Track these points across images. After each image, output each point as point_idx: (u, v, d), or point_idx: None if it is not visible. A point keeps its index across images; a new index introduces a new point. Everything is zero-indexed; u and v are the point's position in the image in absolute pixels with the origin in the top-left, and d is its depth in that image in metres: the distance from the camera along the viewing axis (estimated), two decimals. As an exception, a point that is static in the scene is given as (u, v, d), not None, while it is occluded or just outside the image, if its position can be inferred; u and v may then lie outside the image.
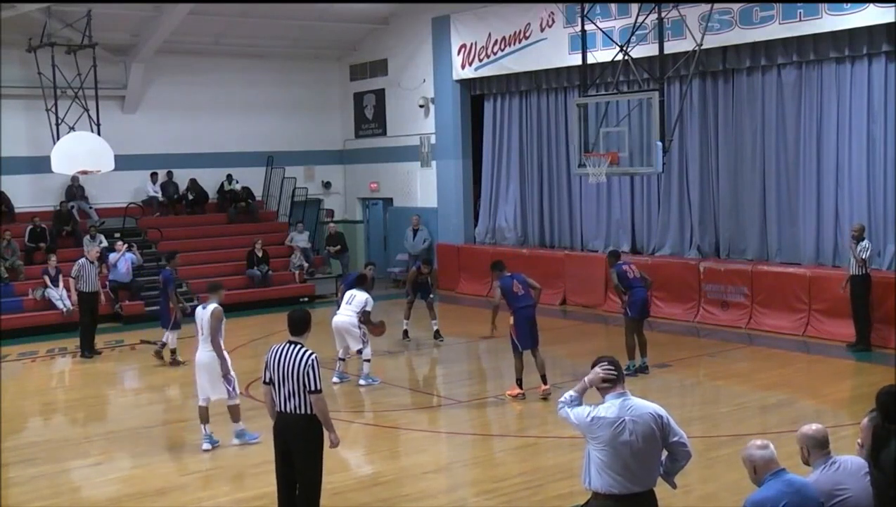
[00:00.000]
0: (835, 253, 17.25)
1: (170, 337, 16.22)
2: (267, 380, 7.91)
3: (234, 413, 11.30)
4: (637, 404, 6.07)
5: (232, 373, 11.18)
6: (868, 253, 15.37)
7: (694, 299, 18.60)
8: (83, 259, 17.28)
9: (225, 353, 11.18)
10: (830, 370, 14.77)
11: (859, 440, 6.56)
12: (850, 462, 6.12)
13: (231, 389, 11.15)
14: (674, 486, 6.33)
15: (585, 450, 6.14)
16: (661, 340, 17.13)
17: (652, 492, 6.12)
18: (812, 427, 6.02)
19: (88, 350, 17.10)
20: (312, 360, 7.74)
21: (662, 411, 6.12)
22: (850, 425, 10.56)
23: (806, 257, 17.66)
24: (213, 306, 11.12)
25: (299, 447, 7.81)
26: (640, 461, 5.96)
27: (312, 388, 7.69)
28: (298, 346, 7.84)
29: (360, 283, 15.09)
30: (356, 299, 14.48)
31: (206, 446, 11.17)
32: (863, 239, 15.39)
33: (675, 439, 6.11)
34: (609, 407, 6.02)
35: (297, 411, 7.76)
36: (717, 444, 10.97)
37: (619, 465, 5.94)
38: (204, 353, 11.14)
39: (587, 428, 6.02)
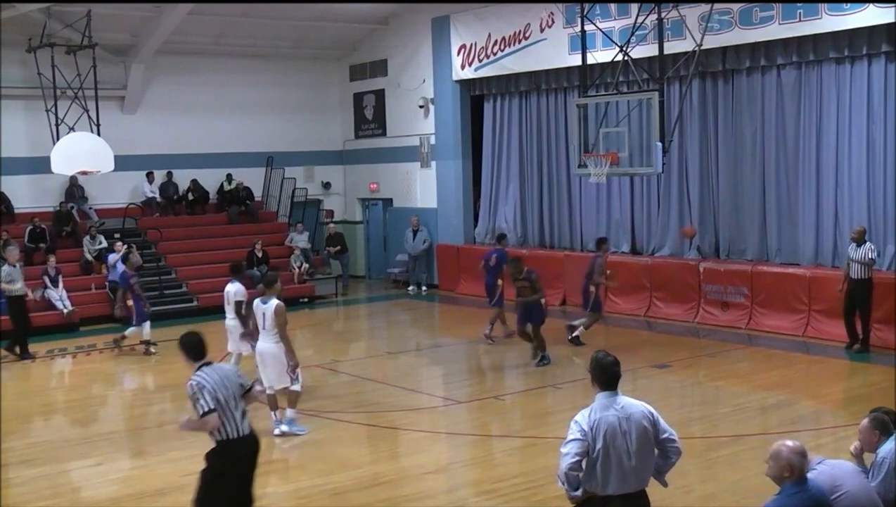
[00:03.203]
0: (834, 254, 17.24)
1: (144, 329, 17.05)
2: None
3: (293, 400, 11.70)
4: (628, 403, 6.08)
5: (296, 361, 11.56)
6: (873, 254, 15.25)
7: (694, 300, 18.60)
8: (6, 264, 17.26)
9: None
10: (830, 371, 14.77)
11: (856, 444, 6.57)
12: (841, 464, 6.17)
13: (295, 377, 11.57)
14: (664, 484, 6.33)
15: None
16: (661, 340, 17.15)
17: (644, 492, 6.12)
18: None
19: (24, 353, 17.04)
20: None
21: (652, 409, 6.15)
22: (850, 425, 10.57)
23: (805, 258, 17.67)
24: (274, 302, 11.47)
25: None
26: (634, 460, 5.97)
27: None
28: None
29: (237, 272, 14.38)
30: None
31: (276, 431, 11.57)
32: (864, 242, 15.27)
33: (665, 435, 6.12)
34: (603, 406, 6.03)
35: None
36: (716, 444, 10.96)
37: (613, 464, 5.94)
38: (267, 343, 11.52)
39: (591, 437, 5.96)
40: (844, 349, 15.58)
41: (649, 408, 6.13)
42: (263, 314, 11.50)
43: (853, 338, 15.52)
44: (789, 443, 5.67)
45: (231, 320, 13.80)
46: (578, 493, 5.96)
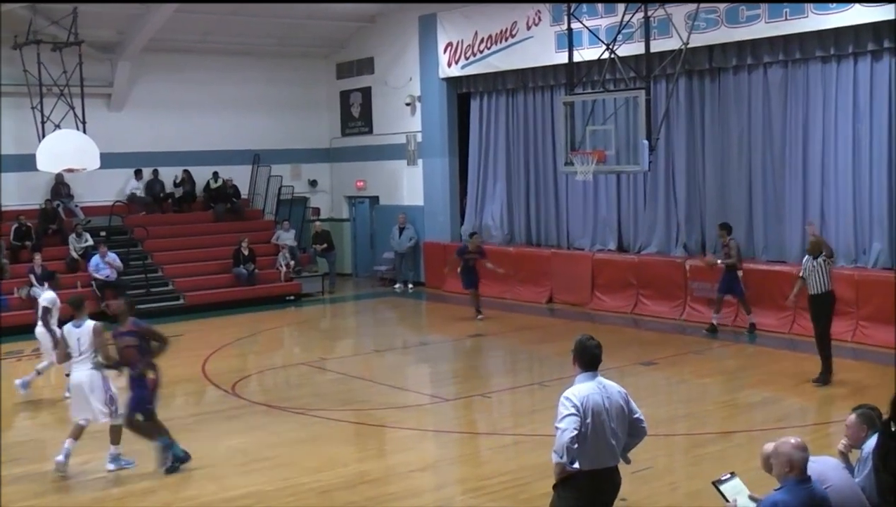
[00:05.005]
0: (820, 251, 17.28)
1: None
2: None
3: (115, 435, 10.59)
4: (607, 383, 6.44)
5: (114, 391, 10.58)
6: (828, 265, 13.33)
7: (680, 297, 18.64)
8: None
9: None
10: (816, 368, 14.75)
11: (844, 442, 6.61)
12: (825, 459, 6.27)
13: (114, 409, 10.53)
14: (627, 461, 6.58)
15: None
16: (648, 338, 17.19)
17: (618, 467, 6.45)
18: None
19: None
20: None
21: (625, 390, 6.52)
22: (836, 422, 10.61)
23: (792, 255, 17.71)
24: (90, 323, 10.52)
25: None
26: (614, 437, 6.31)
27: None
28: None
29: (50, 279, 14.19)
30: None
31: (61, 458, 10.40)
32: (819, 253, 13.25)
33: (636, 415, 6.52)
34: (587, 385, 6.33)
35: None
36: (703, 441, 11.00)
37: (601, 439, 6.24)
38: (82, 373, 10.49)
39: (582, 412, 6.19)
40: (814, 382, 13.39)
41: (623, 389, 6.51)
42: (78, 340, 10.40)
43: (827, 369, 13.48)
44: (790, 439, 5.74)
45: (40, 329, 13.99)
46: (576, 466, 6.15)
